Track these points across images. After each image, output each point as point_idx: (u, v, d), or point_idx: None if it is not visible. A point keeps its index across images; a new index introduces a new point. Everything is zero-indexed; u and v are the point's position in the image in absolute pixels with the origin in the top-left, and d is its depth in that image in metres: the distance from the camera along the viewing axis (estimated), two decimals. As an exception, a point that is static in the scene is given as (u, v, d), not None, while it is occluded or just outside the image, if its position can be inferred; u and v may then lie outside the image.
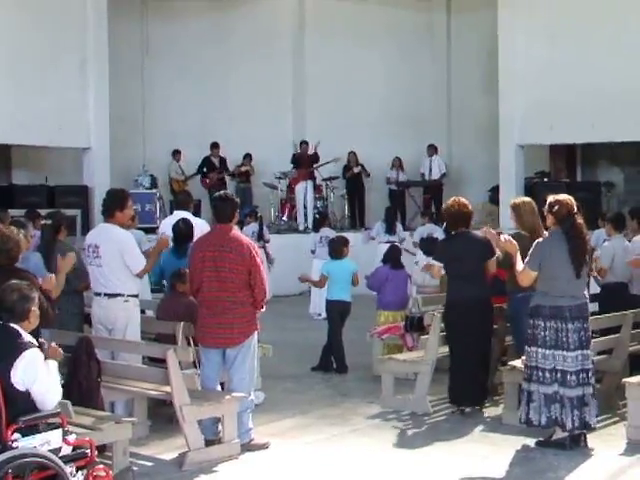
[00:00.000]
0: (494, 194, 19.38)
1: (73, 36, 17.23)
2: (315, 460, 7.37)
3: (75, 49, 17.25)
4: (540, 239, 7.64)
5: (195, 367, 7.74)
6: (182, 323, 7.98)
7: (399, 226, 17.57)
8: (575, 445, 7.45)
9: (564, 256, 7.37)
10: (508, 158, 18.60)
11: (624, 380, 7.87)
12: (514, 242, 7.72)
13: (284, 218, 19.17)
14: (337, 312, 10.82)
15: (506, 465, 7.10)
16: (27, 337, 5.34)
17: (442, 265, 8.70)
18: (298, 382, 10.26)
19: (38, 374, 5.25)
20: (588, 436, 7.54)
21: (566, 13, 17.49)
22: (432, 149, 20.09)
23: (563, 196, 7.68)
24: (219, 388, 7.69)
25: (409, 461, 7.30)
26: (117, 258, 7.85)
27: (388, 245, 14.92)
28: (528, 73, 18.08)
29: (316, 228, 15.65)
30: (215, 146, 19.28)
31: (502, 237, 7.92)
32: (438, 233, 15.40)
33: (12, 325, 5.34)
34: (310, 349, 12.19)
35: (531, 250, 7.55)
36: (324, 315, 14.63)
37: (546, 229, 8.05)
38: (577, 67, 17.39)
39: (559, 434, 7.48)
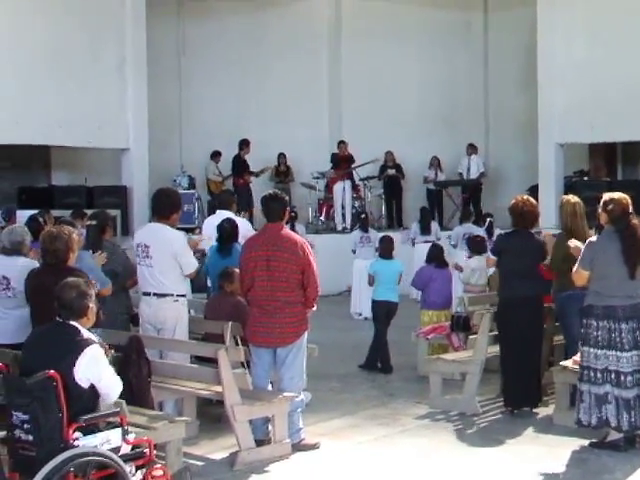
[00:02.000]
0: (533, 193, 19.19)
1: (111, 37, 17.27)
2: (366, 461, 7.32)
3: (113, 50, 17.30)
4: (593, 238, 7.55)
5: (244, 367, 7.71)
6: (230, 323, 7.95)
7: (435, 226, 17.50)
8: (630, 447, 7.36)
9: (617, 256, 7.28)
10: (547, 157, 18.41)
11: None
12: (580, 246, 7.65)
13: (322, 218, 19.12)
14: (383, 312, 10.77)
15: (560, 466, 7.02)
16: (86, 334, 5.34)
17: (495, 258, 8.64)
18: (343, 382, 10.21)
19: (102, 370, 5.25)
20: (643, 437, 7.46)
21: (606, 8, 17.28)
22: (471, 148, 19.97)
23: (618, 194, 7.58)
24: (270, 388, 7.66)
25: (461, 462, 7.23)
26: (168, 259, 7.83)
27: (425, 245, 15.03)
28: (567, 70, 17.90)
29: (363, 228, 15.58)
30: (246, 144, 19.14)
31: (570, 243, 7.86)
32: (475, 232, 15.31)
33: (71, 322, 5.33)
34: (353, 349, 12.18)
35: (583, 249, 7.48)
36: (364, 315, 14.71)
37: (599, 228, 7.98)
38: (617, 64, 17.19)
39: (613, 435, 7.38)
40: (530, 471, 6.93)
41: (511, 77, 20.75)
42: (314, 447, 7.56)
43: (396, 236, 17.08)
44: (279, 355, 7.44)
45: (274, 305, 7.30)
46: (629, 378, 7.29)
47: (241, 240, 9.05)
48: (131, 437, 5.34)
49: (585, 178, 19.19)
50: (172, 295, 7.91)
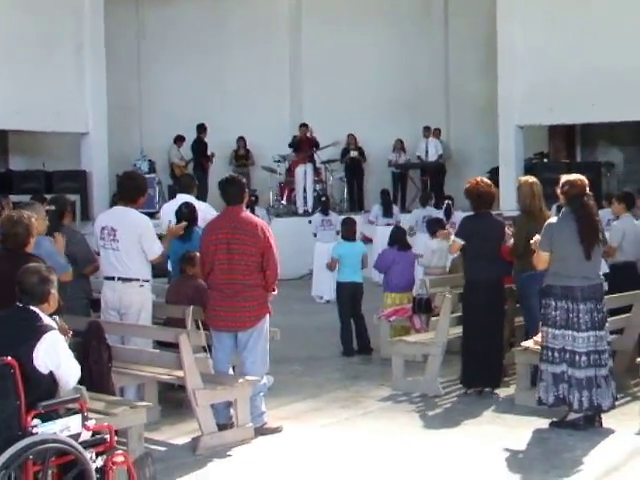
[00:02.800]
0: (493, 176, 19.29)
1: (69, 22, 17.10)
2: (329, 443, 7.32)
3: (71, 35, 17.13)
4: (551, 219, 7.59)
5: (205, 351, 7.67)
6: (191, 307, 7.89)
7: (396, 208, 17.54)
8: (589, 425, 7.43)
9: (574, 236, 7.31)
10: (507, 139, 18.49)
11: (638, 360, 7.84)
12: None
13: (283, 202, 19.09)
14: (349, 294, 10.76)
15: (522, 446, 7.07)
16: (47, 319, 5.27)
17: (462, 242, 8.63)
18: (305, 365, 10.22)
19: (61, 357, 5.19)
20: (602, 416, 7.52)
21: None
22: (427, 131, 19.98)
23: (574, 176, 7.62)
24: (231, 372, 7.64)
25: (423, 444, 7.26)
26: (135, 243, 7.78)
27: (387, 227, 15.09)
28: (527, 54, 17.97)
29: (324, 211, 15.57)
30: (203, 129, 19.07)
31: (533, 239, 7.88)
32: (435, 215, 15.38)
33: (32, 308, 5.27)
34: (315, 332, 12.23)
35: (542, 231, 7.51)
36: (326, 298, 14.74)
37: (559, 209, 8.03)
38: (576, 48, 17.29)
39: (572, 415, 7.45)
40: (491, 451, 6.96)
41: (471, 61, 20.77)
42: (276, 431, 7.55)
43: (357, 219, 17.18)
44: (240, 339, 7.41)
45: (234, 288, 7.25)
46: (583, 358, 7.34)
47: (201, 224, 8.99)
48: (91, 423, 5.28)
49: (545, 160, 19.34)
50: (138, 280, 7.87)
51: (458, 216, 15.57)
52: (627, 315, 8.77)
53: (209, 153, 19.08)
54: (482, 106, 20.01)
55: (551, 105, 17.75)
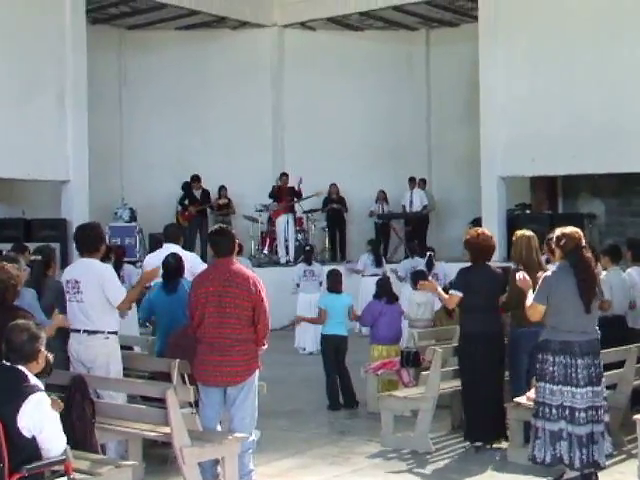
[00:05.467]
0: (475, 226, 19.26)
1: (51, 68, 16.94)
2: (318, 503, 7.13)
3: (53, 81, 16.96)
4: (548, 272, 7.47)
5: (191, 406, 7.45)
6: (177, 360, 7.68)
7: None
8: (587, 484, 7.26)
9: (572, 290, 7.19)
10: (490, 190, 18.49)
11: (635, 417, 7.68)
12: (528, 279, 7.57)
13: (265, 251, 18.94)
14: (333, 347, 10.59)
15: (518, 506, 6.89)
16: (33, 380, 5.06)
17: (460, 295, 8.47)
18: (292, 420, 10.00)
19: (45, 421, 4.96)
20: (599, 474, 7.35)
21: (547, 44, 17.49)
22: (412, 182, 19.97)
23: (570, 229, 7.51)
24: (219, 428, 7.41)
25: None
26: (98, 292, 7.59)
27: (374, 278, 14.92)
28: (509, 105, 18.04)
29: (307, 261, 15.42)
30: (196, 179, 19.03)
31: (517, 275, 7.77)
32: (422, 266, 15.30)
33: (19, 367, 5.05)
34: (300, 384, 12.03)
35: (539, 284, 7.38)
36: (309, 350, 14.56)
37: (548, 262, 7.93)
38: (559, 98, 17.37)
39: (570, 474, 7.27)
40: (487, 511, 6.79)
41: (453, 111, 20.84)
42: (265, 489, 7.34)
43: (340, 269, 17.03)
44: (229, 395, 7.20)
45: (225, 343, 7.05)
46: (582, 414, 7.18)
47: (187, 275, 8.82)
48: (77, 485, 5.07)
49: (527, 211, 19.33)
50: (103, 332, 7.65)
51: (440, 267, 15.56)
52: (620, 370, 8.63)
53: (212, 203, 18.99)
54: (464, 156, 20.03)
55: (533, 156, 17.79)
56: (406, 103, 21.25)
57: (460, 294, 8.46)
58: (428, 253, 15.67)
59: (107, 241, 12.03)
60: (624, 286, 9.62)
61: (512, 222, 18.43)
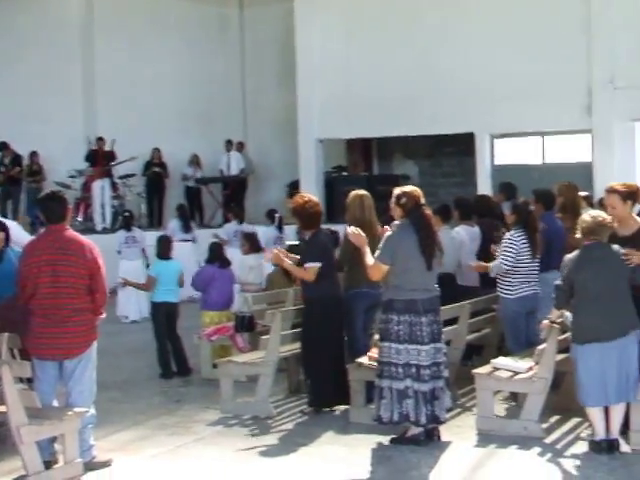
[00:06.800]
0: (293, 189, 19.33)
1: None
2: (165, 474, 6.90)
3: None
4: (390, 232, 7.47)
5: (22, 382, 7.05)
6: (6, 334, 7.22)
7: (193, 224, 17.16)
8: (429, 440, 7.36)
9: (414, 248, 7.23)
10: (307, 152, 18.62)
11: (474, 371, 7.86)
12: (363, 235, 7.53)
13: (79, 218, 18.26)
14: (164, 314, 10.31)
15: (366, 466, 6.88)
16: None
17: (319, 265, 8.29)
18: (123, 391, 9.68)
19: None
20: (440, 428, 7.48)
21: (363, 7, 17.67)
22: (230, 145, 19.77)
23: (410, 188, 7.56)
24: (55, 403, 7.04)
25: (265, 469, 6.96)
26: None
27: (184, 243, 14.78)
28: (325, 67, 18.16)
29: (127, 227, 14.94)
30: (4, 146, 18.07)
31: (349, 229, 7.71)
32: (246, 229, 15.17)
33: None
34: (127, 355, 11.71)
35: (381, 243, 7.37)
36: (132, 318, 14.20)
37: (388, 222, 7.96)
38: (374, 61, 17.61)
39: (413, 430, 7.35)
40: (336, 474, 6.75)
41: (269, 73, 20.77)
42: (106, 464, 7.03)
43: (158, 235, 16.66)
44: (67, 367, 6.84)
45: (61, 314, 6.68)
46: (427, 371, 7.26)
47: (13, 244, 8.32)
48: None
49: (344, 173, 19.55)
50: None
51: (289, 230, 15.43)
52: (454, 326, 8.80)
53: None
54: (281, 119, 20.02)
55: (349, 119, 17.97)
56: (220, 65, 20.98)
57: (319, 264, 8.30)
58: (277, 215, 15.47)
59: None
60: (454, 245, 9.79)
61: (329, 184, 18.63)
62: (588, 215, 7.15)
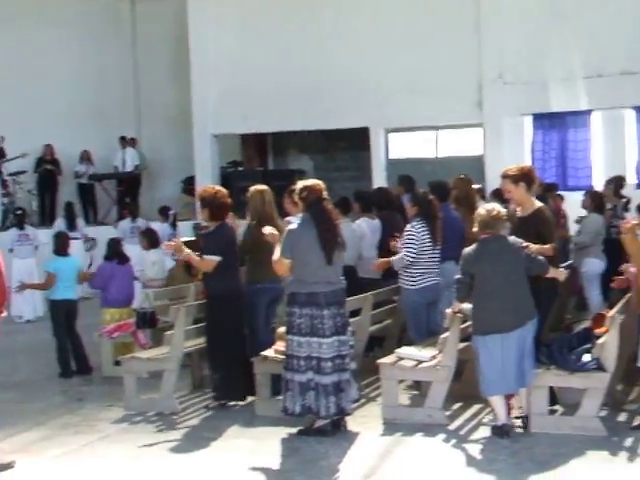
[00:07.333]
0: (188, 185, 19.23)
1: None
2: (70, 474, 6.80)
3: None
4: (292, 226, 7.52)
5: None
6: None
7: (81, 222, 16.88)
8: (336, 430, 7.43)
9: (314, 242, 7.30)
10: (202, 148, 18.50)
11: (378, 361, 7.96)
12: (276, 233, 7.60)
13: (-34, 216, 17.77)
14: (63, 312, 10.12)
15: (275, 458, 6.91)
16: None
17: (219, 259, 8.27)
18: (22, 391, 9.51)
19: None
20: (346, 419, 7.56)
21: (257, 0, 17.64)
22: (124, 141, 19.51)
23: (312, 181, 7.62)
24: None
25: (173, 464, 6.92)
26: None
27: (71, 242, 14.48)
28: (220, 62, 18.07)
29: (19, 225, 14.60)
30: None
31: (265, 230, 7.75)
32: (142, 226, 15.06)
33: None
34: (23, 354, 11.51)
35: (283, 238, 7.42)
36: (27, 317, 13.94)
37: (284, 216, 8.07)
38: (269, 56, 17.60)
39: (320, 421, 7.41)
40: (245, 467, 6.74)
41: (163, 68, 20.53)
42: (9, 467, 6.88)
43: (48, 233, 16.29)
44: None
45: (-40, 314, 6.54)
46: (329, 364, 7.32)
47: None
48: None
49: (240, 168, 19.51)
50: None
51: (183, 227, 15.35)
52: (357, 318, 8.90)
53: None
54: (176, 114, 19.84)
55: (245, 113, 17.93)
56: (113, 60, 20.61)
57: (219, 258, 8.26)
58: (171, 212, 15.33)
59: None
60: (354, 237, 9.89)
61: (225, 179, 18.54)
62: (483, 209, 7.33)
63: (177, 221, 15.03)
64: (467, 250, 7.29)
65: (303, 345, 7.33)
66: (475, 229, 7.30)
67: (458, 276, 7.31)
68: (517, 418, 7.36)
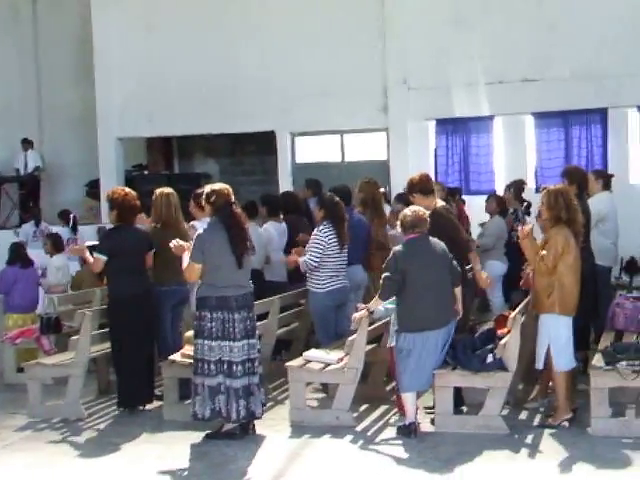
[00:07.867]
0: (92, 188, 18.96)
1: None
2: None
3: None
4: (200, 231, 7.52)
5: None
6: None
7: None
8: (244, 434, 7.45)
9: (225, 246, 7.32)
10: (107, 151, 18.20)
11: (286, 364, 8.00)
12: (183, 244, 7.61)
13: None
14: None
15: (184, 463, 6.91)
16: None
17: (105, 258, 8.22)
18: None
19: None
20: (255, 422, 7.58)
21: (162, 2, 17.51)
22: (27, 143, 19.12)
23: (219, 185, 7.62)
24: None
25: (80, 471, 6.86)
26: None
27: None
28: (125, 63, 17.80)
29: None
30: None
31: (171, 244, 7.71)
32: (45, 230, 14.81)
33: None
34: None
35: (193, 242, 7.42)
36: None
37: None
38: (174, 58, 17.42)
39: (228, 426, 7.43)
40: (153, 471, 6.72)
41: (66, 69, 20.09)
42: None
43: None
44: None
45: None
46: (239, 368, 7.35)
47: None
48: None
49: (145, 172, 19.32)
50: None
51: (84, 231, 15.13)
52: (264, 321, 8.92)
53: None
54: (79, 117, 19.46)
55: (150, 116, 17.77)
56: (13, 60, 20.14)
57: (105, 257, 8.23)
58: (72, 215, 15.08)
59: None
60: (261, 241, 9.90)
61: (130, 183, 18.31)
62: (409, 210, 7.48)
63: (78, 224, 14.81)
64: (397, 248, 7.42)
65: (214, 349, 7.34)
66: (398, 230, 7.46)
67: (387, 274, 7.33)
68: (428, 412, 7.53)
